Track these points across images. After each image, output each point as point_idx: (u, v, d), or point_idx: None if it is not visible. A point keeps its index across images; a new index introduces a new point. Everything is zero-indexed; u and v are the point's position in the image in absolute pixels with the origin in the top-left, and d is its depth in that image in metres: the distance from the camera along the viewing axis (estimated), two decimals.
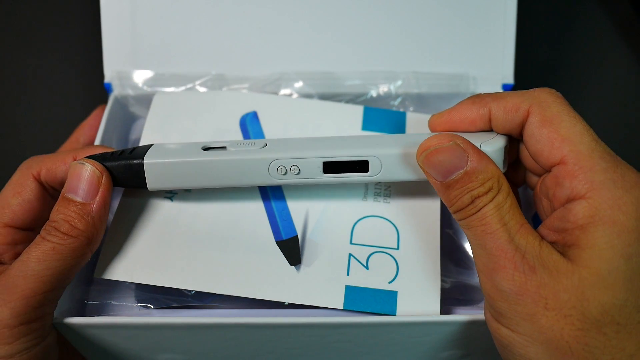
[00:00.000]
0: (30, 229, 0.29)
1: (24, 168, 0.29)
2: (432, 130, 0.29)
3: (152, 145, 0.29)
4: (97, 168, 0.27)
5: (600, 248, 0.22)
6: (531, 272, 0.22)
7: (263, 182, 0.28)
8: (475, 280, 0.31)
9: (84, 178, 0.27)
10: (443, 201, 0.25)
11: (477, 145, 0.26)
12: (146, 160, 0.28)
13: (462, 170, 0.24)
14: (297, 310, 0.28)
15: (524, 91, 0.26)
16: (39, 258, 0.25)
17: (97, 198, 0.27)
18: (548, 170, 0.25)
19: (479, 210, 0.24)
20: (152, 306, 0.29)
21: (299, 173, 0.28)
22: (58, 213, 0.26)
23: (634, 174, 0.23)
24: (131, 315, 0.29)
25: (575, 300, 0.22)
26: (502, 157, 0.27)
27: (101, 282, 0.30)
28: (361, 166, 0.28)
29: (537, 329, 0.22)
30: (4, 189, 0.29)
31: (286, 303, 0.28)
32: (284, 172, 0.28)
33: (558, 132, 0.24)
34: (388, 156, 0.27)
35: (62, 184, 0.28)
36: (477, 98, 0.27)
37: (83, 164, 0.27)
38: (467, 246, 0.33)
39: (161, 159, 0.28)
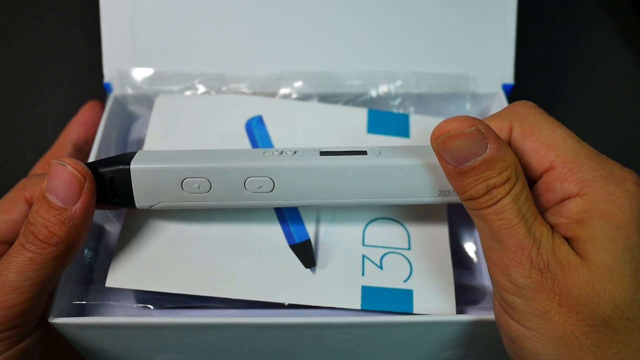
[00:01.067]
0: (12, 243, 0.28)
1: (19, 188, 0.29)
2: None
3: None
4: (79, 171, 0.25)
5: (602, 240, 0.22)
6: (546, 268, 0.22)
7: (258, 164, 0.26)
8: (475, 281, 0.31)
9: (64, 180, 0.25)
10: (453, 187, 0.24)
11: None
12: (136, 158, 0.27)
13: (479, 158, 0.23)
14: (299, 311, 0.28)
15: (500, 111, 0.26)
16: (17, 269, 0.24)
17: (79, 203, 0.25)
18: (538, 179, 0.25)
19: (496, 203, 0.23)
20: (152, 307, 0.29)
21: (295, 153, 0.27)
22: (37, 216, 0.25)
23: (621, 169, 0.23)
24: (131, 315, 0.29)
25: (586, 297, 0.22)
26: None
27: (101, 282, 0.30)
28: (360, 153, 0.27)
29: (549, 325, 0.22)
30: None
31: (286, 304, 0.28)
32: (279, 152, 0.27)
33: (540, 140, 0.24)
34: (388, 146, 0.28)
35: None
36: None
37: (64, 165, 0.25)
38: (467, 247, 0.33)
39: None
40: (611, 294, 0.21)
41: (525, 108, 0.26)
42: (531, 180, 0.27)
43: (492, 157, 0.23)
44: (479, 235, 0.24)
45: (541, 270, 0.22)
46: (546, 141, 0.24)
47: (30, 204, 0.28)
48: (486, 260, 0.24)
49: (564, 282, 0.22)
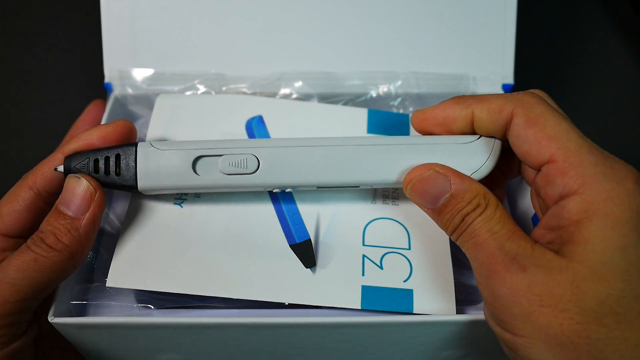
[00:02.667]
0: (19, 236, 0.29)
1: (21, 179, 0.29)
2: (415, 126, 0.29)
3: (137, 147, 0.28)
4: (92, 185, 0.27)
5: (594, 242, 0.22)
6: (522, 271, 0.22)
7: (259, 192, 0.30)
8: (475, 281, 0.31)
9: (77, 193, 0.27)
10: (440, 228, 0.26)
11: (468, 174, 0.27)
12: (140, 185, 0.28)
13: (447, 194, 0.25)
14: (299, 311, 0.28)
15: (506, 94, 0.27)
16: (19, 267, 0.25)
17: (87, 214, 0.27)
18: (537, 169, 0.25)
19: (468, 226, 0.24)
20: (152, 306, 0.29)
21: (293, 191, 0.30)
22: (47, 224, 0.26)
23: (623, 166, 0.23)
24: (131, 315, 0.29)
25: (570, 294, 0.22)
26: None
27: (101, 282, 0.30)
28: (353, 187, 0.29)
29: (536, 328, 0.22)
30: (2, 198, 0.29)
31: (286, 303, 0.28)
32: (279, 191, 0.29)
33: (544, 131, 0.24)
34: (379, 183, 0.28)
35: (54, 186, 0.28)
36: (461, 99, 0.28)
37: (79, 178, 0.27)
38: None
39: (153, 183, 0.28)
40: (596, 291, 0.21)
41: (534, 98, 0.26)
42: (530, 169, 0.27)
43: (458, 190, 0.25)
44: (469, 261, 0.25)
45: (516, 274, 0.22)
46: (549, 132, 0.24)
47: (33, 190, 0.28)
48: (477, 284, 0.25)
49: (545, 282, 0.22)
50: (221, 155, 0.28)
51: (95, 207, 0.27)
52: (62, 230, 0.26)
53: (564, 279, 0.22)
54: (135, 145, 0.28)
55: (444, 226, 0.26)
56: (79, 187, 0.27)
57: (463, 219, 0.24)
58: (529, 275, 0.22)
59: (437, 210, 0.25)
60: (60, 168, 0.28)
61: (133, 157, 0.28)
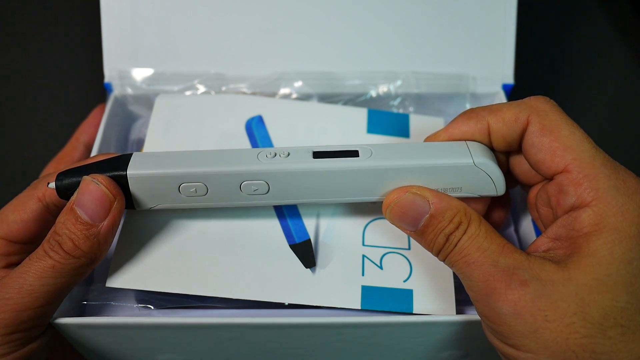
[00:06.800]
0: (23, 243, 0.29)
1: (31, 188, 0.29)
2: None
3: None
4: (110, 191, 0.26)
5: (600, 255, 0.22)
6: (523, 286, 0.22)
7: (252, 169, 0.27)
8: None
9: (95, 197, 0.25)
10: (426, 249, 0.26)
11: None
12: (132, 163, 0.27)
13: (427, 215, 0.25)
14: (299, 311, 0.28)
15: (519, 101, 0.27)
16: (37, 274, 0.25)
17: (106, 222, 0.26)
18: (550, 178, 0.25)
19: (455, 245, 0.24)
20: (152, 307, 0.29)
21: (288, 156, 0.27)
22: (64, 227, 0.25)
23: (634, 179, 0.23)
24: (131, 315, 0.29)
25: (575, 307, 0.21)
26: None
27: (101, 282, 0.30)
28: (352, 154, 0.27)
29: (541, 344, 0.22)
30: (9, 203, 0.29)
31: (286, 303, 0.28)
32: (273, 154, 0.27)
33: (559, 140, 0.24)
34: (379, 145, 0.27)
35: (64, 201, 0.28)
36: (472, 113, 0.27)
37: (97, 183, 0.26)
38: None
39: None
40: (601, 303, 0.21)
41: (547, 105, 0.26)
42: (534, 181, 0.27)
43: (437, 210, 0.25)
44: (461, 281, 0.25)
45: (518, 289, 0.22)
46: (564, 142, 0.24)
47: (42, 202, 0.28)
48: (472, 302, 0.24)
49: (548, 296, 0.22)
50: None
51: (115, 214, 0.26)
52: (80, 237, 0.25)
53: (568, 291, 0.22)
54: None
55: (428, 247, 0.25)
56: (96, 191, 0.26)
57: (447, 239, 0.24)
58: (531, 290, 0.22)
59: (419, 231, 0.25)
60: (52, 185, 0.27)
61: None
